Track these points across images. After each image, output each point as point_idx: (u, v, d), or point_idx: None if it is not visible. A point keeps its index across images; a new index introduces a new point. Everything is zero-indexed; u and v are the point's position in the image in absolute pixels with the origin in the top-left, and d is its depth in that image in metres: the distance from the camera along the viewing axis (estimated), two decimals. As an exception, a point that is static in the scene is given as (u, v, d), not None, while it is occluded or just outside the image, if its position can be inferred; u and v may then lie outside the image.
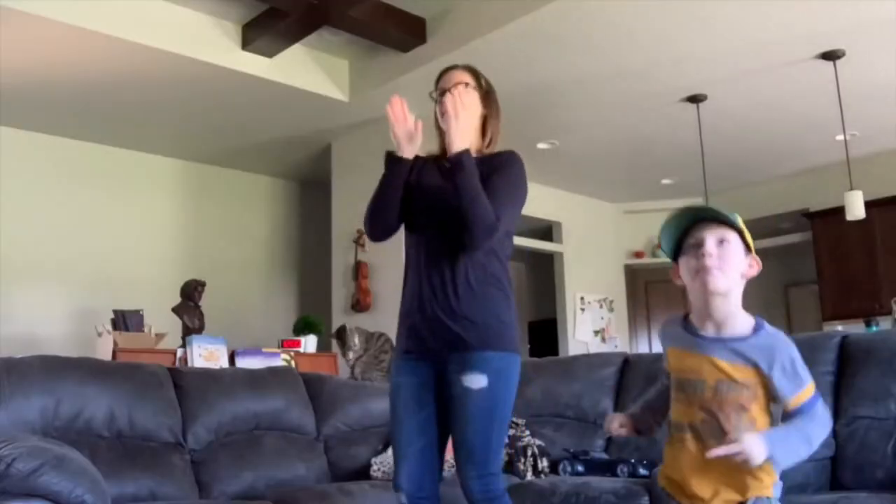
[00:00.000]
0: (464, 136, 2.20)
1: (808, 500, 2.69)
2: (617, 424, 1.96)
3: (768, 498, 1.71)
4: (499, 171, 2.28)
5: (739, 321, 1.74)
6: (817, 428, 1.69)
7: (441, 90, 2.36)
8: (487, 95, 2.41)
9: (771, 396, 1.71)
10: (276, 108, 5.92)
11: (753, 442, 1.59)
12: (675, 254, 1.84)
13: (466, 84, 2.35)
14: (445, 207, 2.20)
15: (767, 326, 1.74)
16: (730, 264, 1.72)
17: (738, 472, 1.68)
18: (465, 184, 2.16)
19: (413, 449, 2.22)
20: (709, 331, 1.76)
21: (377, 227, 2.34)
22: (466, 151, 2.18)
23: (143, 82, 5.38)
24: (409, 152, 2.29)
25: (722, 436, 1.68)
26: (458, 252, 2.22)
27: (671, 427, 1.81)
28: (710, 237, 1.74)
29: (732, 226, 1.76)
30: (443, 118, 2.28)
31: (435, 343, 2.22)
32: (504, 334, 2.24)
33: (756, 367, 1.69)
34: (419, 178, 2.35)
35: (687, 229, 1.80)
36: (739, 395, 1.69)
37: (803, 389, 1.70)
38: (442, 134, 2.33)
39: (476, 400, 2.15)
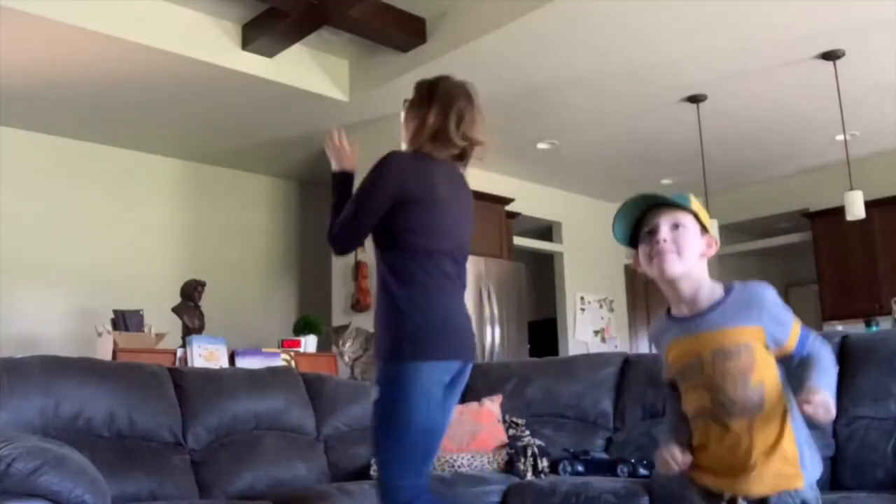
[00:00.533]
0: (338, 162, 2.53)
1: (808, 500, 2.69)
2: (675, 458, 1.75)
3: (796, 490, 1.66)
4: None
5: (708, 291, 1.75)
6: (828, 354, 1.72)
7: None
8: (416, 102, 2.47)
9: (768, 347, 1.70)
10: (276, 108, 5.92)
11: (823, 393, 1.59)
12: (634, 242, 1.85)
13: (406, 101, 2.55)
14: None
15: (737, 284, 1.75)
16: (685, 247, 1.74)
17: (772, 460, 1.65)
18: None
19: None
20: (685, 311, 1.77)
21: None
22: (337, 171, 2.52)
23: (143, 82, 5.38)
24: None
25: (735, 410, 1.67)
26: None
27: (690, 421, 1.77)
28: (664, 223, 1.76)
29: (686, 209, 1.77)
30: None
31: None
32: (388, 346, 2.27)
33: (746, 322, 1.69)
34: None
35: (642, 218, 1.81)
36: (738, 362, 1.67)
37: (793, 326, 1.71)
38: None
39: (373, 411, 2.28)
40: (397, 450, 2.24)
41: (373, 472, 3.40)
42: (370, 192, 2.33)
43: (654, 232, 1.76)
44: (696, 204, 1.79)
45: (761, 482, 1.65)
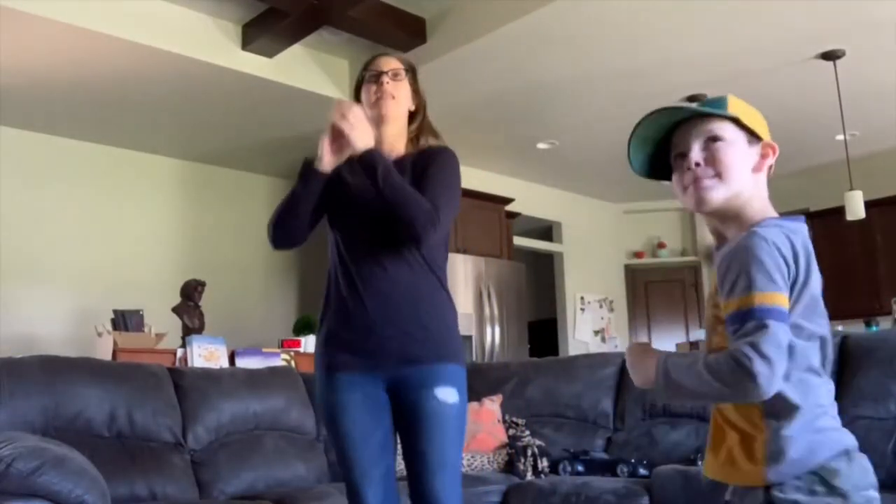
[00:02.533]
0: (365, 136, 2.01)
1: (808, 500, 2.69)
2: None
3: (762, 489, 1.28)
4: (434, 164, 2.13)
5: (758, 212, 1.39)
6: (721, 365, 1.25)
7: (375, 72, 2.18)
8: (418, 90, 2.26)
9: None
10: (276, 108, 5.91)
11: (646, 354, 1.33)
12: (665, 171, 1.48)
13: (396, 74, 2.19)
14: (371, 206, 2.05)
15: (770, 222, 1.35)
16: (728, 165, 1.36)
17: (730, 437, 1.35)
18: (389, 182, 2.00)
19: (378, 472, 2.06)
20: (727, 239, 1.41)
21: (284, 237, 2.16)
22: (375, 150, 2.02)
23: (143, 82, 5.37)
24: (330, 165, 2.08)
25: None
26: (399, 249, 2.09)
27: None
28: (696, 141, 1.39)
29: (723, 116, 1.40)
30: (375, 105, 2.14)
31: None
32: (458, 345, 2.15)
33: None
34: (341, 174, 2.14)
35: (671, 138, 1.45)
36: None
37: (737, 297, 1.27)
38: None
39: (450, 418, 2.04)
40: (460, 463, 2.09)
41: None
42: (458, 188, 2.14)
43: (684, 154, 1.40)
44: (737, 105, 1.41)
45: (713, 465, 1.37)
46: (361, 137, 2.00)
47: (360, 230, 2.10)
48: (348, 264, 2.09)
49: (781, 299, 1.28)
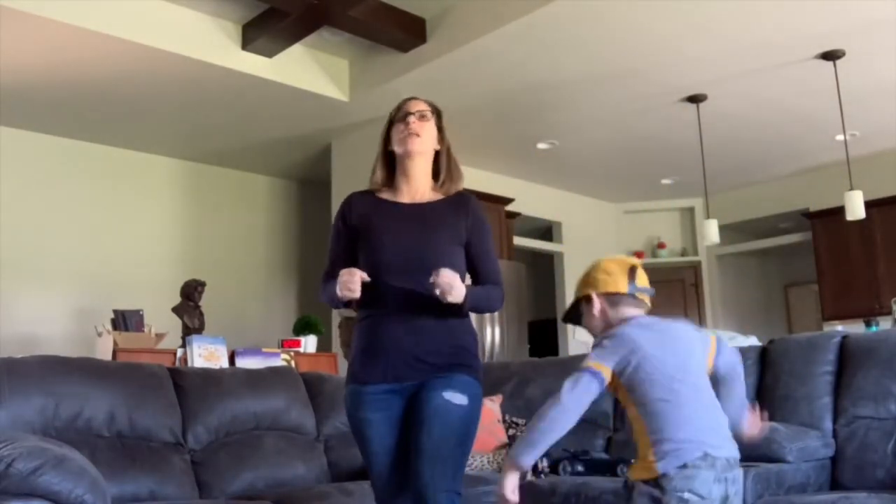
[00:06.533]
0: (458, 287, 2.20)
1: (808, 500, 2.69)
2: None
3: (651, 481, 1.80)
4: (476, 225, 2.38)
5: None
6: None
7: (405, 112, 2.40)
8: (442, 131, 2.45)
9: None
10: (276, 108, 5.92)
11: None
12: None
13: (423, 116, 2.40)
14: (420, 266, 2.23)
15: None
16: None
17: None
18: (478, 306, 2.33)
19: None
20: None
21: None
22: (465, 294, 2.21)
23: (143, 82, 5.38)
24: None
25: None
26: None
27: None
28: None
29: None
30: (402, 142, 2.36)
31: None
32: (476, 361, 2.39)
33: None
34: (382, 221, 2.35)
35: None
36: None
37: None
38: (393, 159, 2.41)
39: (458, 419, 2.22)
40: (465, 463, 2.26)
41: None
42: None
43: None
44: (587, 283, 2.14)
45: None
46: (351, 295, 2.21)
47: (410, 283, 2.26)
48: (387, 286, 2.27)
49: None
